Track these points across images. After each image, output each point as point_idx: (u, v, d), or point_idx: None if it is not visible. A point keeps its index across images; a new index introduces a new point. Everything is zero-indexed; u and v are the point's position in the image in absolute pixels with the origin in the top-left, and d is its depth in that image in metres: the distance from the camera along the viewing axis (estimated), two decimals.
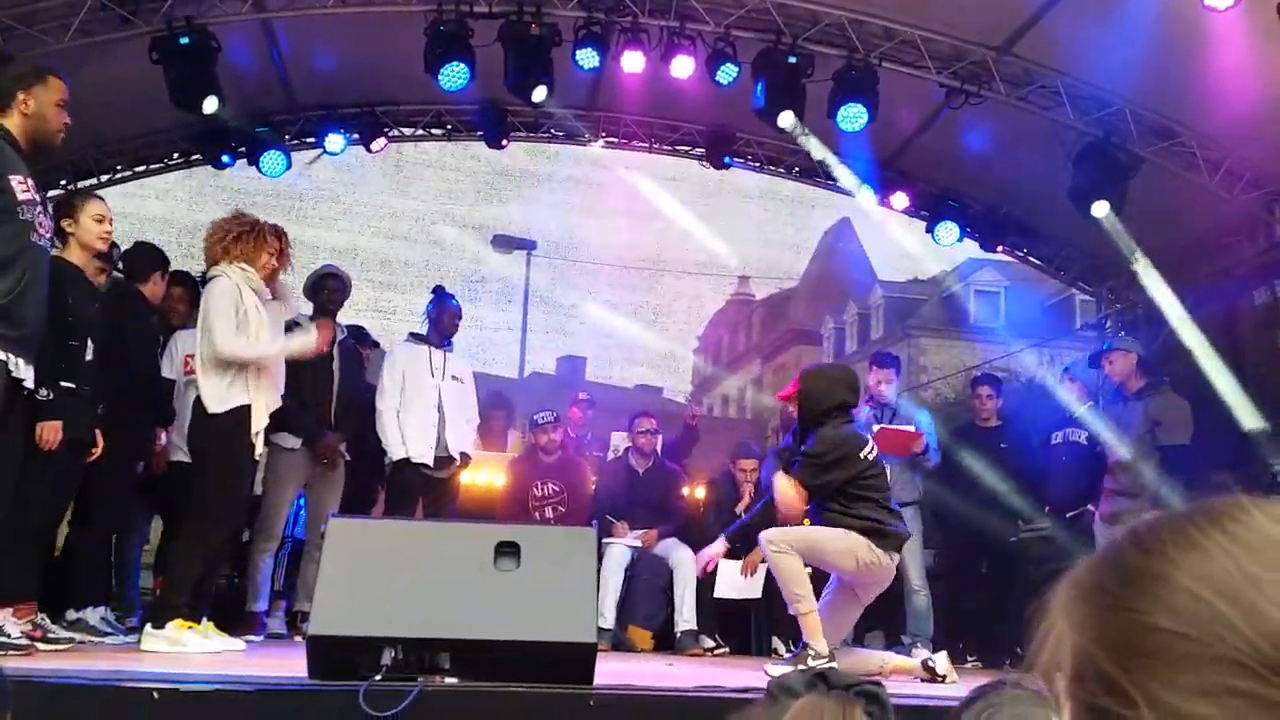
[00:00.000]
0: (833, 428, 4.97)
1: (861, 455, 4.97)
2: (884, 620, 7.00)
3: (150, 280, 5.57)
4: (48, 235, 3.83)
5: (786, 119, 7.52)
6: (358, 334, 7.22)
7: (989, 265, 28.74)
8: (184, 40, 6.91)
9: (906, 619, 6.87)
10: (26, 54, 6.05)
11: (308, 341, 5.16)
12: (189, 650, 4.51)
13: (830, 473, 4.90)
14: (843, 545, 4.84)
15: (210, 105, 7.19)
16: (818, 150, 8.57)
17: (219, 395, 4.71)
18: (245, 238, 4.85)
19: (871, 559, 4.83)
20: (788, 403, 5.47)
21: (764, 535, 4.95)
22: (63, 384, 4.36)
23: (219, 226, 4.90)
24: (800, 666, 4.43)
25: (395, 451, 6.25)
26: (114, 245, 5.26)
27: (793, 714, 1.29)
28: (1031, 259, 10.41)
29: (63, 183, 8.36)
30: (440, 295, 6.69)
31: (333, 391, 6.16)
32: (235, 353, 4.69)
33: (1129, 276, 9.59)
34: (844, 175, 9.12)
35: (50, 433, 4.29)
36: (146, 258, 5.74)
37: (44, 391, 4.26)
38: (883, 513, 4.92)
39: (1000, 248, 10.00)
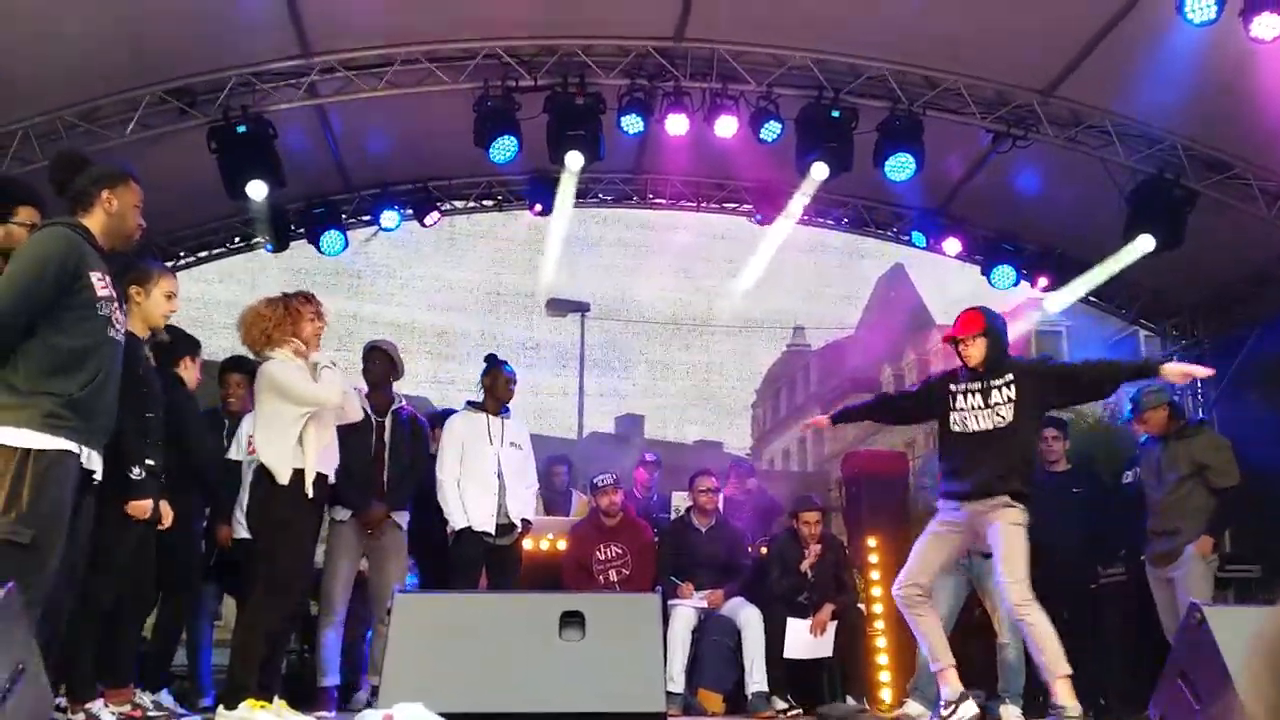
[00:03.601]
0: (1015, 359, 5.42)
1: None
2: (980, 678, 6.75)
3: (181, 364, 5.60)
4: (122, 330, 3.92)
5: (820, 171, 7.55)
6: (435, 417, 7.17)
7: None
8: (241, 129, 7.13)
9: (998, 675, 6.65)
10: (92, 149, 6.29)
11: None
12: None
13: None
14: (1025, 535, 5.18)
15: (257, 191, 7.36)
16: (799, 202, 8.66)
17: (285, 461, 4.82)
18: (284, 321, 5.00)
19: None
20: (961, 340, 5.47)
21: (1014, 601, 5.13)
22: (147, 462, 4.46)
23: (253, 320, 5.03)
24: None
25: (457, 521, 6.26)
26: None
27: None
28: (1091, 298, 10.26)
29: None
30: (493, 363, 6.74)
31: (383, 461, 6.20)
32: (322, 396, 4.90)
33: (1194, 313, 9.45)
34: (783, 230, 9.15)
35: (141, 511, 4.38)
36: (180, 341, 5.82)
37: (136, 471, 4.38)
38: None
39: (1059, 288, 9.89)
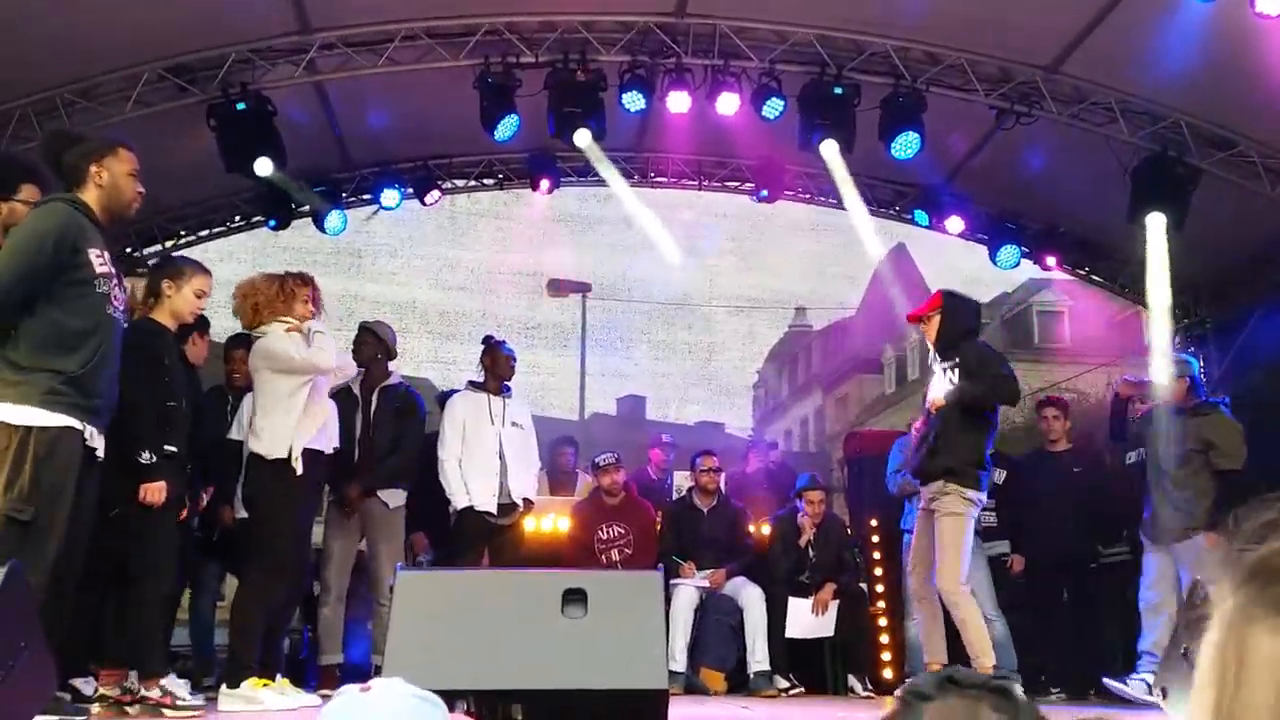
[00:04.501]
0: (975, 346, 5.53)
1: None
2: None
3: (189, 341, 5.58)
4: (122, 308, 3.90)
5: (829, 148, 7.51)
6: (443, 398, 7.17)
7: (1050, 285, 28.30)
8: (240, 106, 7.09)
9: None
10: (89, 127, 6.26)
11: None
12: (266, 708, 4.55)
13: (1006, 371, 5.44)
14: (962, 526, 5.25)
15: (264, 167, 7.35)
16: (846, 188, 8.61)
17: (276, 440, 4.85)
18: (275, 300, 5.01)
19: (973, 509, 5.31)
20: (918, 323, 5.71)
21: (940, 587, 5.28)
22: (166, 448, 4.49)
23: (247, 293, 5.06)
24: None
25: (459, 500, 6.26)
26: None
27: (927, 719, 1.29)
28: (1094, 277, 10.24)
29: (127, 250, 8.58)
30: (490, 343, 6.73)
31: (369, 440, 6.17)
32: (316, 361, 4.95)
33: (1197, 291, 9.41)
34: (861, 216, 9.13)
35: (154, 494, 4.40)
36: None
37: (146, 455, 4.39)
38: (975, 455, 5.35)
39: (1061, 267, 9.85)
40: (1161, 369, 6.99)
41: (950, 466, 5.30)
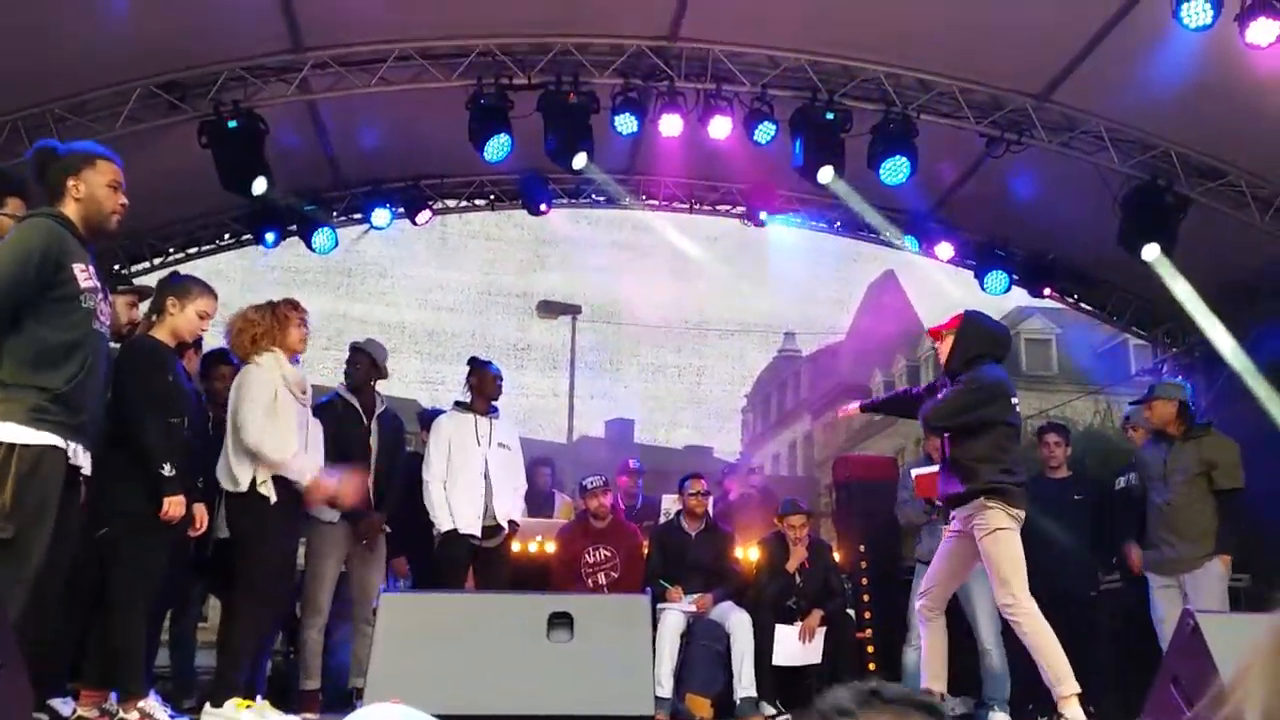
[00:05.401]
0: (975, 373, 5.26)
1: (1012, 403, 5.24)
2: (963, 684, 6.71)
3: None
4: (107, 323, 3.87)
5: (826, 174, 7.51)
6: (425, 418, 7.18)
7: (1038, 313, 28.44)
8: (232, 124, 7.07)
9: (983, 682, 6.60)
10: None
11: (328, 486, 5.19)
12: None
13: (976, 410, 5.13)
14: (1014, 537, 5.01)
15: (260, 186, 7.34)
16: (859, 206, 8.63)
17: (244, 474, 4.84)
18: (271, 329, 5.01)
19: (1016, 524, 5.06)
20: (938, 339, 5.53)
21: (1002, 608, 5.07)
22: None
23: (242, 326, 5.08)
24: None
25: (443, 523, 6.22)
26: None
27: None
28: (1083, 305, 10.27)
29: (115, 267, 8.53)
30: (476, 364, 6.70)
31: (369, 465, 6.15)
32: (262, 449, 4.87)
33: (1185, 319, 9.43)
34: (886, 228, 9.19)
35: (175, 507, 4.39)
36: None
37: (168, 468, 4.39)
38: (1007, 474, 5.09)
39: (1050, 294, 9.88)
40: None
41: (992, 485, 5.05)
